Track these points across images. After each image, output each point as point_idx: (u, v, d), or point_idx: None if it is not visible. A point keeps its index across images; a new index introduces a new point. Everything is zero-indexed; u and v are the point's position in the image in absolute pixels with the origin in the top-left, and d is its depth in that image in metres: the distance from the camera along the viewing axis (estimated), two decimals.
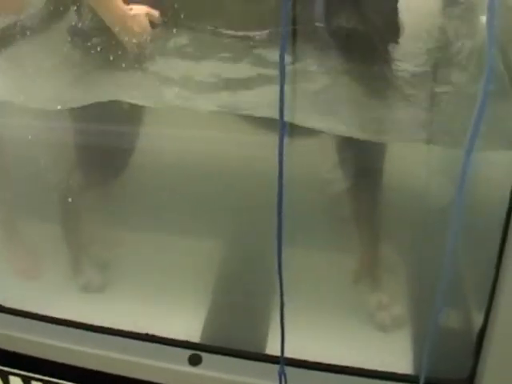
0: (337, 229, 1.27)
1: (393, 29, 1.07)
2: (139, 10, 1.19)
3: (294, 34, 1.06)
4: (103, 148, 1.23)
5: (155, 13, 1.19)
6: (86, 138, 1.25)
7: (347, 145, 1.14)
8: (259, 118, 1.02)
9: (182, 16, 1.14)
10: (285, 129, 0.76)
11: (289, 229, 1.17)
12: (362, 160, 1.18)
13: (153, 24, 1.20)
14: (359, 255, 1.29)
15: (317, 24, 1.06)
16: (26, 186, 1.37)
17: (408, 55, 1.08)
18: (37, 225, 1.41)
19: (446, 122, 0.99)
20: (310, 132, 1.10)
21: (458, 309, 1.16)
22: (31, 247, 1.44)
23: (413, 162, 1.22)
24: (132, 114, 1.21)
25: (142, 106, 1.19)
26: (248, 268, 1.32)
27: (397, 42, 1.08)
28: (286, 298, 1.03)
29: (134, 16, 1.17)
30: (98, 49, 1.13)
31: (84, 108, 1.14)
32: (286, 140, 1.09)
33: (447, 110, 1.00)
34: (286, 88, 0.74)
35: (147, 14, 1.19)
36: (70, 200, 1.32)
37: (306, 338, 1.17)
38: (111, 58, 1.12)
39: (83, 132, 1.25)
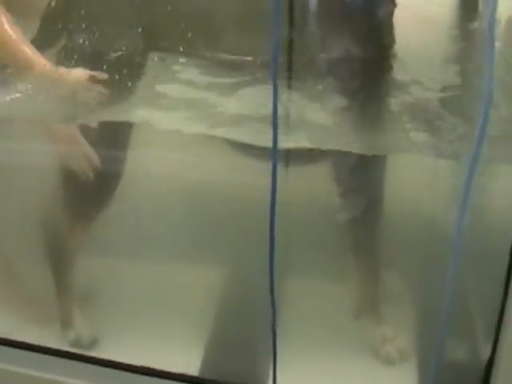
0: (340, 259, 1.24)
1: (389, 53, 1.06)
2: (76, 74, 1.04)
3: (290, 62, 1.05)
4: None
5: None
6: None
7: (359, 170, 1.13)
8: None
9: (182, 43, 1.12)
10: (276, 152, 0.74)
11: (290, 260, 1.15)
12: (374, 185, 1.17)
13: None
14: (360, 289, 1.25)
15: (312, 52, 1.06)
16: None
17: (411, 79, 1.07)
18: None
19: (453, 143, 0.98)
20: (322, 156, 1.09)
21: (465, 340, 1.13)
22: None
23: (417, 190, 1.20)
24: (119, 138, 1.18)
25: (129, 129, 1.16)
26: (247, 300, 1.29)
27: (392, 66, 1.07)
28: (287, 332, 1.00)
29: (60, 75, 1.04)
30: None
31: None
32: (291, 167, 1.08)
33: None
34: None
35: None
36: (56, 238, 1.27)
37: (309, 372, 1.14)
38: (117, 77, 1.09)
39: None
